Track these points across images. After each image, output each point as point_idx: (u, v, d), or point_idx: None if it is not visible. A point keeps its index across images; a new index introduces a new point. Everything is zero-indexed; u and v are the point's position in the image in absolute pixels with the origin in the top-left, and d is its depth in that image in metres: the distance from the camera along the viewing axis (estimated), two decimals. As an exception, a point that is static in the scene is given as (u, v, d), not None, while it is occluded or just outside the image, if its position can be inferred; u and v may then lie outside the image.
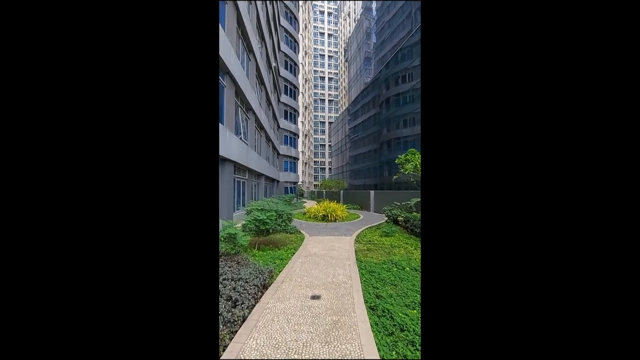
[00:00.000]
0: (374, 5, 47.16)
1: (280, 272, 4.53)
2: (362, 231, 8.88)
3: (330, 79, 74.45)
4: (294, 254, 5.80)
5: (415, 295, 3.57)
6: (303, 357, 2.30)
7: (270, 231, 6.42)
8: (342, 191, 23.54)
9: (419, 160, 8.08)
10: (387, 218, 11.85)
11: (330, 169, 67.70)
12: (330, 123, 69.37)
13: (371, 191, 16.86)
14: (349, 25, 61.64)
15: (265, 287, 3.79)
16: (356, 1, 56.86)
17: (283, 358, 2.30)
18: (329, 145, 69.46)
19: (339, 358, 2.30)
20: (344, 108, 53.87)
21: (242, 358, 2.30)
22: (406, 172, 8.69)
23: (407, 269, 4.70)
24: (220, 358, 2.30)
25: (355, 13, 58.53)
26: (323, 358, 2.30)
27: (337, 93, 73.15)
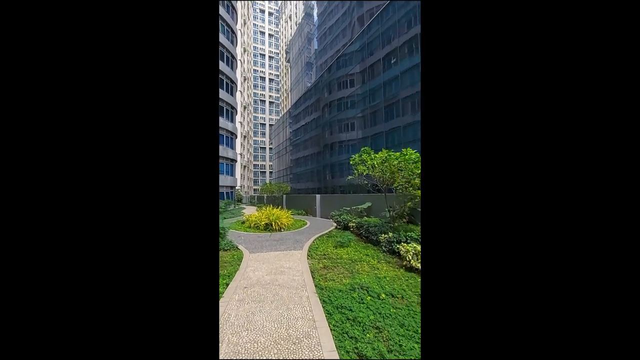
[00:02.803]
0: (315, 11, 47.59)
1: (203, 324, 2.89)
2: (313, 242, 7.64)
3: (271, 80, 72.26)
4: (227, 284, 4.15)
5: (414, 347, 2.45)
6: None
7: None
8: (284, 196, 22.04)
9: (376, 160, 7.35)
10: (336, 224, 10.97)
11: (271, 172, 65.19)
12: (271, 125, 66.99)
13: (317, 195, 15.90)
14: (290, 28, 61.04)
15: (170, 368, 2.15)
16: (297, 1, 56.72)
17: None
18: (270, 148, 67.01)
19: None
20: (286, 110, 52.61)
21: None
22: (362, 173, 7.87)
23: (383, 295, 3.62)
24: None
25: (296, 17, 58.27)
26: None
27: (279, 95, 71.44)
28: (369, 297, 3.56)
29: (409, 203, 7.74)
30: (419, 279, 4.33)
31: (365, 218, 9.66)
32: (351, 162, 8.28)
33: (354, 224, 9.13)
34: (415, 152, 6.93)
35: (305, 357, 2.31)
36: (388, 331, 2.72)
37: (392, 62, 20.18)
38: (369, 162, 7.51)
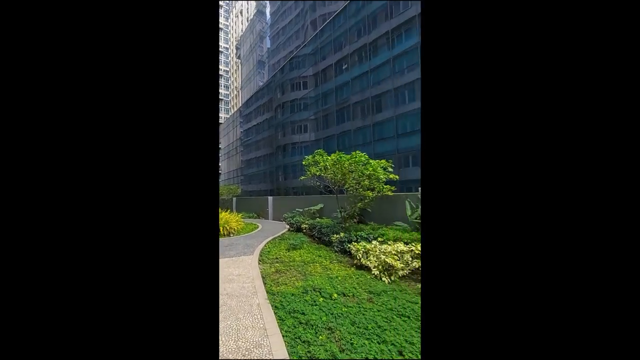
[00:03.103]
0: (267, 9, 46.66)
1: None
2: (265, 245, 7.41)
3: (220, 76, 68.31)
4: (167, 298, 3.71)
5: (364, 343, 2.52)
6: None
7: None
8: (234, 198, 21.01)
9: (328, 162, 7.49)
10: (289, 226, 10.86)
11: (220, 173, 61.45)
12: (220, 124, 63.24)
13: (269, 197, 15.54)
14: (242, 24, 58.72)
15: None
16: (247, 0, 54.89)
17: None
18: (219, 148, 63.16)
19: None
20: (236, 109, 50.31)
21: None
22: (315, 174, 7.94)
23: (335, 295, 3.68)
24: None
25: (247, 12, 56.30)
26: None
27: (228, 92, 67.97)
28: (322, 299, 3.58)
29: (359, 204, 8.09)
30: (369, 276, 4.53)
31: (318, 219, 9.77)
32: (304, 163, 8.30)
33: (306, 226, 9.15)
34: (364, 154, 7.27)
35: (256, 369, 2.19)
36: (340, 331, 2.76)
37: (344, 68, 20.98)
38: (321, 164, 7.62)
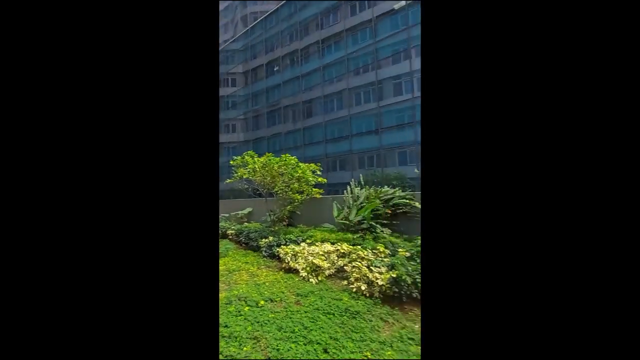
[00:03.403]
0: (191, -6, 42.45)
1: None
2: (184, 255, 6.61)
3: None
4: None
5: (290, 347, 2.50)
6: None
7: None
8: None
9: (257, 164, 7.25)
10: (213, 232, 10.01)
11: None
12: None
13: (190, 201, 14.01)
14: (159, 4, 51.56)
15: None
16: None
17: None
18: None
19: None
20: (150, 100, 43.70)
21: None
22: (243, 177, 7.55)
23: (262, 302, 3.55)
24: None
25: (167, -7, 49.84)
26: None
27: (139, 80, 58.38)
28: (247, 307, 3.40)
29: (289, 207, 8.10)
30: (297, 278, 4.56)
31: (246, 224, 9.33)
32: (232, 164, 7.83)
33: (233, 231, 8.60)
34: (294, 157, 7.36)
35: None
36: (266, 338, 2.67)
37: (275, 69, 20.83)
38: (250, 166, 7.32)
